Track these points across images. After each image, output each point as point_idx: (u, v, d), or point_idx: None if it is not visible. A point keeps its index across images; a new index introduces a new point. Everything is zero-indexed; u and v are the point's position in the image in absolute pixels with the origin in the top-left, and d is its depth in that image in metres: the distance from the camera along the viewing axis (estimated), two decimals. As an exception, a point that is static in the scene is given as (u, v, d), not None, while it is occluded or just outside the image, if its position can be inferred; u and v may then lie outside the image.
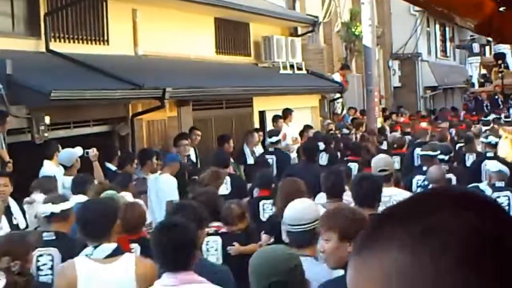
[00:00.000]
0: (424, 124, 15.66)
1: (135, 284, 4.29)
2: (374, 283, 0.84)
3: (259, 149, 13.34)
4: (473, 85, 35.24)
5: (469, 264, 0.82)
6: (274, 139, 12.45)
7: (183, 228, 3.91)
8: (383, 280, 0.83)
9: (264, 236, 6.48)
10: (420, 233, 0.83)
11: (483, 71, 37.69)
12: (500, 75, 29.33)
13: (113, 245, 4.40)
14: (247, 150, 12.92)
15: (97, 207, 4.69)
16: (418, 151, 10.49)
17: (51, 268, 5.21)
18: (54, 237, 5.39)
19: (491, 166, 8.69)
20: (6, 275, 4.07)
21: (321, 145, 11.58)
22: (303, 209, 4.54)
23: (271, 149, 12.40)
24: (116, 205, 4.99)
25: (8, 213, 7.64)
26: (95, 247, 4.36)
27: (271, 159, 11.80)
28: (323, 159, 11.62)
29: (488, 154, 10.51)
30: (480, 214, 0.86)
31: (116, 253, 4.37)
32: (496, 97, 30.37)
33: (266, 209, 7.75)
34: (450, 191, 0.91)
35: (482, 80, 35.29)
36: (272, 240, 6.26)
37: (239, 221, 6.17)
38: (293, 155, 13.58)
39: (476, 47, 35.63)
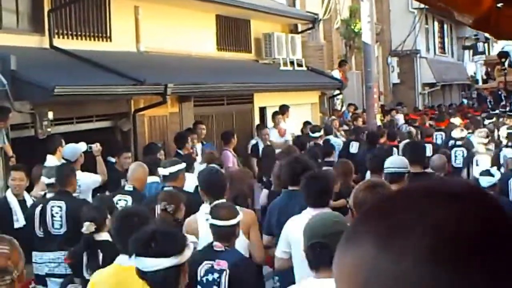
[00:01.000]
0: (456, 120, 17.77)
1: (242, 234, 5.61)
2: (348, 273, 0.90)
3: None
4: (477, 81, 36.13)
5: (432, 262, 0.84)
6: (317, 134, 13.75)
7: (326, 177, 5.79)
8: (353, 270, 0.89)
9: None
10: (387, 230, 0.87)
11: (482, 69, 38.45)
12: (503, 72, 29.81)
13: (223, 201, 5.79)
14: (260, 144, 13.21)
15: (216, 174, 6.27)
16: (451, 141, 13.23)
17: None
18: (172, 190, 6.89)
19: (508, 152, 9.29)
20: (162, 213, 5.82)
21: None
22: (400, 158, 6.98)
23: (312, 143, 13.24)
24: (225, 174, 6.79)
25: (23, 207, 7.78)
26: (210, 203, 5.72)
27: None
28: (354, 147, 13.67)
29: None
30: (454, 212, 0.88)
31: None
32: (500, 92, 31.05)
33: None
34: (431, 185, 0.93)
35: (485, 77, 36.28)
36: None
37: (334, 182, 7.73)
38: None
39: (480, 46, 36.44)
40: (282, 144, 13.68)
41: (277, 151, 13.30)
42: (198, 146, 12.02)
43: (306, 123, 15.68)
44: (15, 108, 9.23)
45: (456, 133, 13.00)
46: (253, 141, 14.09)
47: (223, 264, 4.86)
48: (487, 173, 7.66)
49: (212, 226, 5.08)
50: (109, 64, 10.86)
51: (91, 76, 10.26)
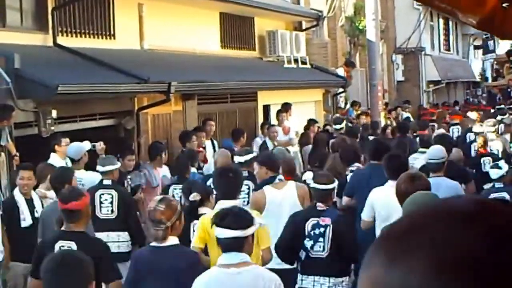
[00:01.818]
0: (472, 114, 18.40)
1: (297, 200, 7.17)
2: None
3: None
4: (486, 79, 36.93)
5: (438, 281, 0.87)
6: (338, 126, 14.71)
7: (404, 155, 7.17)
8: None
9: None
10: (397, 249, 0.92)
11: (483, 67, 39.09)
12: (511, 70, 30.37)
13: (282, 177, 7.43)
14: (269, 143, 13.22)
15: (280, 154, 8.36)
16: (469, 134, 14.41)
17: (248, 193, 8.18)
18: (247, 174, 8.07)
19: None
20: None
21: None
22: (438, 151, 7.94)
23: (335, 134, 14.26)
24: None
25: (31, 206, 7.80)
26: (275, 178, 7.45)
27: None
28: None
29: None
30: (461, 232, 0.90)
31: (284, 182, 7.43)
32: (509, 89, 31.81)
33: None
34: (441, 207, 0.97)
35: (495, 75, 37.32)
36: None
37: None
38: (295, 148, 13.77)
39: (491, 45, 37.34)
40: (286, 142, 13.66)
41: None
42: (208, 143, 12.01)
43: (311, 121, 15.64)
44: (19, 106, 9.23)
45: (476, 128, 14.37)
46: (258, 140, 14.02)
47: (327, 220, 6.31)
48: (495, 166, 8.34)
49: (314, 189, 6.59)
50: (112, 62, 10.85)
51: (94, 74, 10.26)
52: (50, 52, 10.59)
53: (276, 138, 13.62)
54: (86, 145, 9.37)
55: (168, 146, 11.90)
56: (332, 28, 21.26)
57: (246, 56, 16.25)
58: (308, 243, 6.33)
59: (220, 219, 4.73)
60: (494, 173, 8.22)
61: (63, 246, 5.40)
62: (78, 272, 3.84)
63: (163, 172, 10.06)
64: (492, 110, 23.54)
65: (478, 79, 37.86)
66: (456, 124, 17.31)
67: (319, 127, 15.44)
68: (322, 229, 6.29)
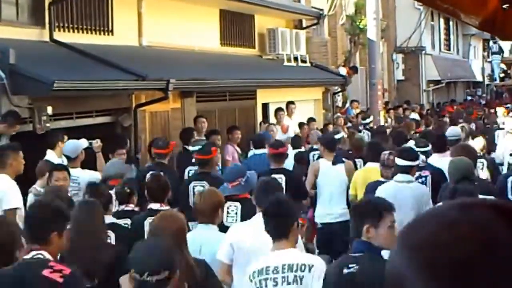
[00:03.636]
0: (500, 109, 19.67)
1: (345, 175, 9.30)
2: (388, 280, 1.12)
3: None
4: (494, 79, 38.89)
5: (430, 275, 1.01)
6: (367, 120, 16.45)
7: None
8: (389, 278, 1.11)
9: None
10: (412, 249, 1.07)
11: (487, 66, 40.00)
12: None
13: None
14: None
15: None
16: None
17: None
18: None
19: None
20: None
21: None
22: (454, 130, 10.96)
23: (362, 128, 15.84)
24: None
25: None
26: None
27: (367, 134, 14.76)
28: None
29: None
30: (456, 234, 1.03)
31: (338, 161, 9.42)
32: None
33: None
34: (446, 213, 1.09)
35: (503, 75, 39.53)
36: None
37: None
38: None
39: (495, 47, 39.49)
40: (285, 141, 13.57)
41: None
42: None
43: (310, 120, 15.56)
44: (13, 102, 9.13)
45: (500, 119, 16.39)
46: None
47: (427, 172, 8.61)
48: None
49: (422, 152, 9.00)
50: (110, 58, 10.76)
51: (91, 71, 10.16)
52: (46, 47, 10.49)
53: (275, 137, 13.53)
54: (83, 142, 9.25)
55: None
56: (333, 26, 21.20)
57: (246, 53, 16.17)
58: None
59: (399, 153, 7.60)
60: None
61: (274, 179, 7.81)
62: (289, 210, 4.89)
63: (253, 153, 10.69)
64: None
65: (486, 79, 39.41)
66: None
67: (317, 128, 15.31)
68: (423, 179, 8.65)
